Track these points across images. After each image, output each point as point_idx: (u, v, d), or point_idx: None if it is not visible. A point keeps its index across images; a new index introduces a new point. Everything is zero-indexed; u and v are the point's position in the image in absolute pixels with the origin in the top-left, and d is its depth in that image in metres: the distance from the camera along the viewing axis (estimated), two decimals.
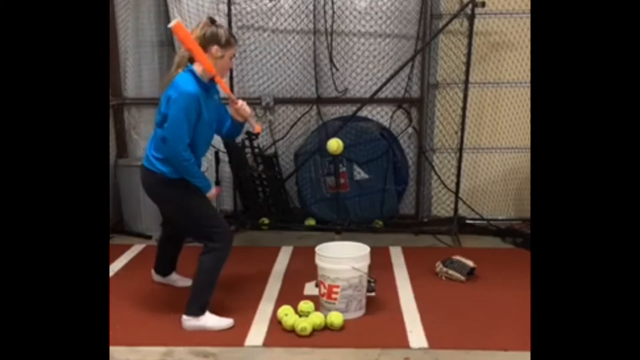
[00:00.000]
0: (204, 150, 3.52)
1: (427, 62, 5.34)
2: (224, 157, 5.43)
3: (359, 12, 5.37)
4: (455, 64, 5.27)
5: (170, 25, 3.24)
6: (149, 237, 5.14)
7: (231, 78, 5.29)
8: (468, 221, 5.44)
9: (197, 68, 3.25)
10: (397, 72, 5.20)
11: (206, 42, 3.22)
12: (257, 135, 5.36)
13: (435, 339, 3.26)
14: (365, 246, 3.64)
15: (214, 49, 3.23)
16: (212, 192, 3.44)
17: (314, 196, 5.44)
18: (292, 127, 5.62)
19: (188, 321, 3.37)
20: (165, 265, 4.01)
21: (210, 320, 3.38)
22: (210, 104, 3.33)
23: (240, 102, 3.44)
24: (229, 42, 3.28)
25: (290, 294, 3.84)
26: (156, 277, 4.06)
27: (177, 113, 3.14)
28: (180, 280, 3.99)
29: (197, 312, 3.37)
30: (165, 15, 5.50)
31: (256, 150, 5.43)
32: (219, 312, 3.44)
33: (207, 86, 3.29)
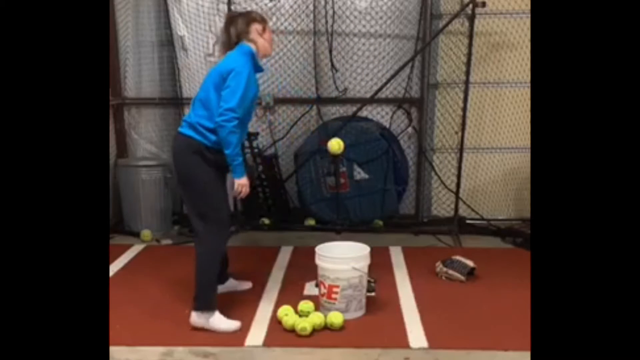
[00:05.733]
0: (246, 127, 3.57)
1: (427, 62, 5.35)
2: None
3: (359, 13, 5.37)
4: (456, 64, 5.27)
5: None
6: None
7: None
8: (468, 221, 5.44)
9: (253, 47, 3.40)
10: (397, 73, 5.20)
11: (245, 27, 3.38)
12: (256, 135, 5.38)
13: (435, 339, 3.26)
14: (365, 246, 3.64)
15: (255, 27, 3.40)
16: (243, 181, 3.36)
17: (314, 196, 5.43)
18: (292, 127, 5.62)
19: (196, 317, 3.35)
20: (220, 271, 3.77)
21: (219, 322, 3.35)
22: (255, 82, 3.45)
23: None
24: (262, 17, 3.49)
25: (290, 294, 3.84)
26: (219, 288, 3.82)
27: (239, 84, 3.24)
28: (240, 284, 3.94)
29: (204, 307, 3.34)
30: (165, 15, 5.50)
31: (256, 150, 5.43)
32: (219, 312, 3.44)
33: (258, 67, 3.44)
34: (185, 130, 3.37)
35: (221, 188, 3.42)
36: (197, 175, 3.34)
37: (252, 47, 3.41)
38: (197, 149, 3.30)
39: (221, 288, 3.85)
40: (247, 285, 3.98)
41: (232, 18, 3.49)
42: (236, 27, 3.41)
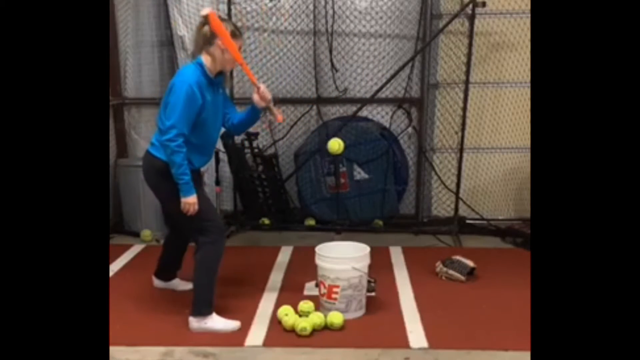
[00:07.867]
0: (211, 147, 3.51)
1: (428, 62, 5.35)
2: (223, 157, 5.43)
3: (359, 13, 5.37)
4: (456, 64, 5.27)
5: (204, 13, 3.24)
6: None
7: (231, 78, 5.29)
8: (468, 221, 5.44)
9: (205, 61, 3.27)
10: (397, 72, 5.20)
11: (211, 37, 3.23)
12: (256, 135, 5.37)
13: (435, 339, 3.26)
14: (365, 246, 3.64)
15: (219, 42, 3.23)
16: (190, 200, 3.25)
17: (314, 196, 5.44)
18: (292, 127, 5.62)
19: (195, 322, 3.36)
20: (168, 269, 3.93)
21: (217, 323, 3.37)
22: (217, 98, 3.36)
23: (262, 86, 3.44)
24: (234, 34, 3.30)
25: (290, 294, 3.84)
26: (157, 283, 3.99)
27: (178, 99, 3.15)
28: (181, 284, 3.92)
29: (202, 312, 3.35)
30: (165, 15, 5.50)
31: (256, 150, 5.43)
32: (219, 312, 3.44)
33: (213, 80, 3.31)
34: (150, 148, 3.39)
35: (202, 196, 3.39)
36: (173, 195, 3.28)
37: (206, 60, 3.26)
38: (160, 167, 3.28)
39: (161, 285, 3.97)
40: (188, 285, 3.77)
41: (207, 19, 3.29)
42: (205, 32, 3.25)
